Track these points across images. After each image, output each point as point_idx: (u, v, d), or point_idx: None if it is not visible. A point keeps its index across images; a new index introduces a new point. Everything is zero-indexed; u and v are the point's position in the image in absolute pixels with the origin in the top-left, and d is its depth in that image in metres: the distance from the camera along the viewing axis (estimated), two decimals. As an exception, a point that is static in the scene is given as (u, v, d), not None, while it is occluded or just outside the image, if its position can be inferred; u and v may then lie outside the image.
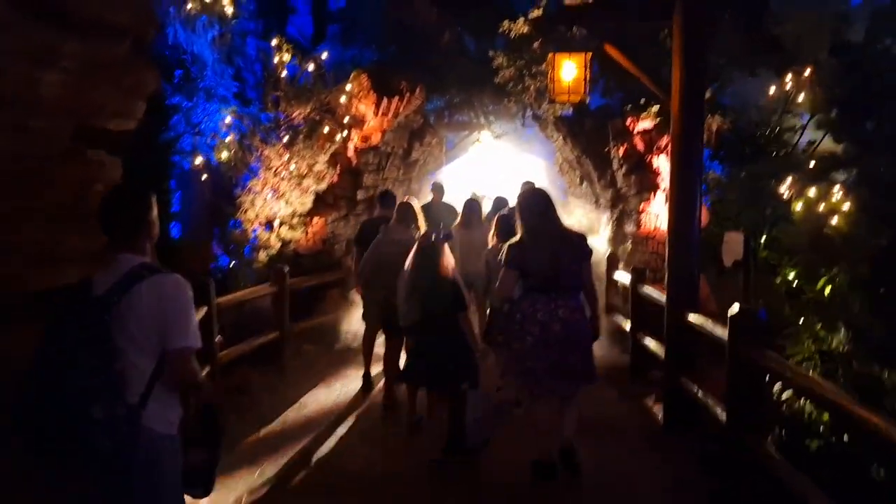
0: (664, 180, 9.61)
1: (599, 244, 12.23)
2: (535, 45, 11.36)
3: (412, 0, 15.03)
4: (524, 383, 4.67)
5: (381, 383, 7.02)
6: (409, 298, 5.15)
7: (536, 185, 11.81)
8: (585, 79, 6.97)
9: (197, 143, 8.06)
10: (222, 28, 8.35)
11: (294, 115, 9.59)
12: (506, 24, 11.36)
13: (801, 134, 10.65)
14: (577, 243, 4.63)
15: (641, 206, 9.64)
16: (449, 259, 5.22)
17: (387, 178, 11.96)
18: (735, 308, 4.80)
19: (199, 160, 7.72)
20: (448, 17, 14.80)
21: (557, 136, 12.92)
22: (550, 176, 16.17)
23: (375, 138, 10.79)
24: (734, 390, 4.77)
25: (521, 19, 11.39)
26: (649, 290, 7.65)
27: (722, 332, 5.02)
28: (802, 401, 5.38)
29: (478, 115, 16.39)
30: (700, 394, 5.57)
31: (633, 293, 8.26)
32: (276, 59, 9.52)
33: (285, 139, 9.34)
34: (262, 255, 9.13)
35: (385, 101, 10.34)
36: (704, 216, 9.72)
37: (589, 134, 11.99)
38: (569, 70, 6.94)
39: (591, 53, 6.92)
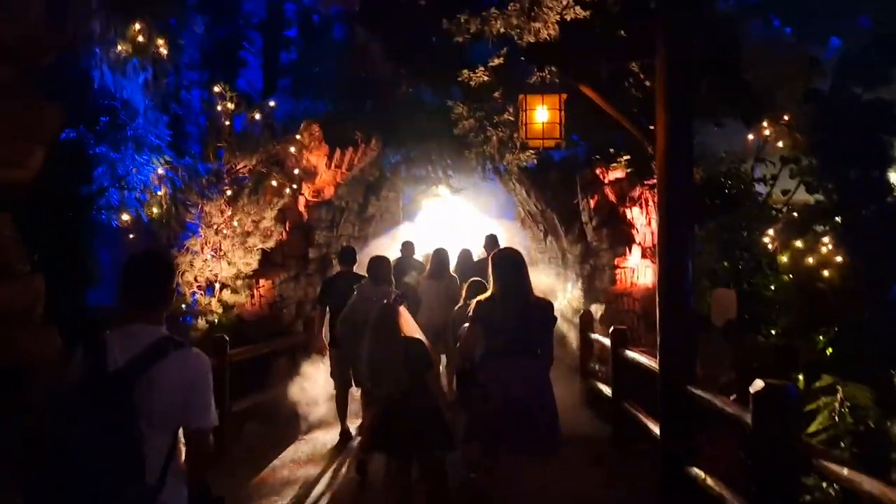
0: (639, 233, 8.91)
1: (568, 302, 11.44)
2: (497, 94, 10.74)
3: (367, 52, 14.45)
4: (487, 448, 4.47)
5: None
6: (373, 370, 4.82)
7: (499, 239, 11.14)
8: (561, 121, 6.25)
9: (125, 198, 7.07)
10: (156, 71, 7.45)
11: (239, 167, 8.70)
12: (465, 73, 10.71)
13: (774, 184, 10.16)
14: (545, 309, 4.48)
15: (616, 261, 8.90)
16: (408, 320, 4.93)
17: (341, 235, 11.05)
18: (759, 385, 3.96)
19: (125, 217, 6.70)
20: (404, 70, 14.20)
21: (520, 188, 12.23)
22: (511, 231, 15.46)
23: (328, 192, 9.92)
24: (762, 487, 3.91)
25: (482, 68, 10.78)
26: (635, 355, 6.82)
27: (738, 411, 4.19)
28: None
29: (436, 169, 15.68)
30: (712, 483, 4.68)
31: (616, 357, 7.42)
32: (219, 108, 8.65)
33: (228, 193, 8.41)
34: (202, 323, 8.07)
35: (338, 152, 9.51)
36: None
37: (554, 186, 11.32)
38: (541, 113, 6.21)
39: (566, 95, 6.22)
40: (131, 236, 6.79)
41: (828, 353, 6.70)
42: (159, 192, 7.08)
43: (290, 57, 15.94)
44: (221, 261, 8.34)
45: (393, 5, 13.14)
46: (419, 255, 10.26)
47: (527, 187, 11.93)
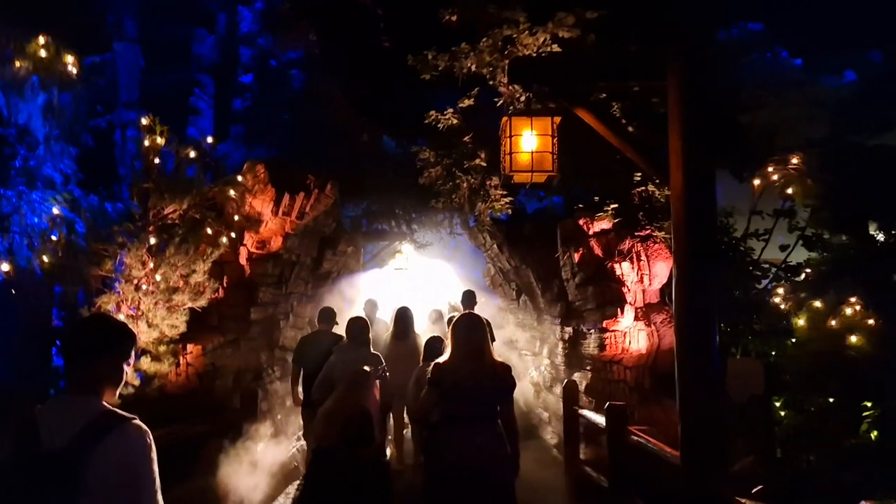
0: (631, 292, 7.65)
1: (545, 369, 10.07)
2: (467, 138, 9.57)
3: (328, 99, 13.31)
4: None
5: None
6: (327, 422, 4.90)
7: (471, 298, 9.83)
8: (553, 150, 5.00)
9: (14, 244, 5.59)
10: (62, 94, 6.07)
11: (167, 212, 7.27)
12: (432, 114, 9.54)
13: (768, 239, 9.07)
14: (502, 374, 4.34)
15: (605, 324, 7.59)
16: (370, 392, 5.12)
17: (291, 293, 9.59)
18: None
19: (5, 267, 5.21)
20: (366, 117, 13.05)
21: (491, 242, 10.97)
22: (479, 289, 14.11)
23: (275, 244, 8.51)
24: None
25: (450, 110, 9.62)
26: (642, 440, 5.46)
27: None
28: None
29: (399, 224, 14.42)
30: None
31: (614, 440, 6.06)
32: (146, 143, 7.28)
33: (152, 242, 6.95)
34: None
35: (286, 197, 8.15)
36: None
37: (529, 239, 10.08)
38: (529, 140, 4.95)
39: (559, 119, 5.00)
40: (13, 292, 5.26)
41: (872, 438, 5.43)
42: (55, 238, 5.59)
43: (244, 104, 14.72)
44: (140, 322, 6.82)
45: (355, 48, 12.06)
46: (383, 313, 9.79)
47: (499, 241, 10.66)
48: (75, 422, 2.15)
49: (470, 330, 4.35)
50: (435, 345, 6.52)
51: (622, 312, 7.42)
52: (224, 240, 7.43)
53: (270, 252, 8.52)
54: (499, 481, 4.17)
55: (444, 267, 15.30)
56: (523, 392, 11.01)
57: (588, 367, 8.17)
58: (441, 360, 4.39)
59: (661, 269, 7.57)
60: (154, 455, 2.26)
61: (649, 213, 8.32)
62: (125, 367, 2.36)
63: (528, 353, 11.20)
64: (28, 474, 2.10)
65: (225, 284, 8.00)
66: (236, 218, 7.68)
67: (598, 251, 7.95)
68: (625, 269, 7.65)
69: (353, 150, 12.86)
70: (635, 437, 5.85)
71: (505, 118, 5.12)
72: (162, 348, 7.11)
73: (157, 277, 6.82)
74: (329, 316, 7.71)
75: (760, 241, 9.23)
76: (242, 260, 8.18)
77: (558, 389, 9.17)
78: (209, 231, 7.39)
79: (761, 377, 5.64)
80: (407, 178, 11.24)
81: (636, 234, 7.72)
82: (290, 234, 8.67)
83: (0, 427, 2.23)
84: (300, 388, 7.56)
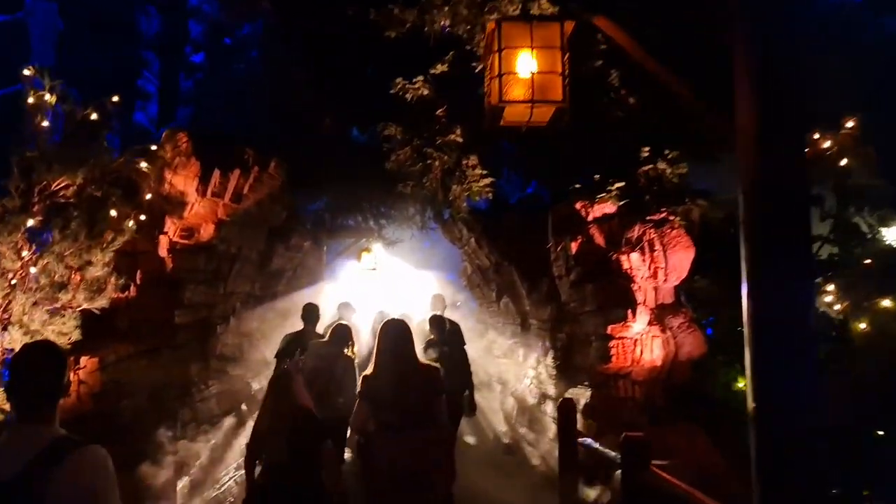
0: (641, 290, 6.06)
1: (531, 383, 8.43)
2: (440, 111, 7.95)
3: (287, 80, 11.64)
4: None
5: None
6: (271, 433, 4.33)
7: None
8: (563, 72, 3.38)
9: None
10: None
11: (56, 187, 5.54)
12: (399, 82, 7.92)
13: None
14: (431, 377, 4.25)
15: (609, 329, 5.98)
16: (300, 388, 4.56)
17: (232, 293, 7.87)
18: None
19: None
20: (330, 103, 11.39)
21: (468, 236, 9.35)
22: (453, 290, 12.46)
23: (205, 232, 6.80)
24: None
25: (420, 79, 8.01)
26: (682, 488, 3.85)
27: None
28: None
29: (366, 219, 12.74)
30: None
31: (631, 483, 4.45)
32: (31, 100, 5.57)
33: (30, 224, 5.23)
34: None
35: (216, 174, 6.45)
36: (696, 345, 6.17)
37: (513, 232, 8.48)
38: (526, 60, 3.31)
39: (572, 26, 3.37)
40: None
41: None
42: None
43: (193, 85, 12.98)
44: (12, 329, 5.07)
45: (315, 18, 10.39)
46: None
47: (477, 234, 9.05)
48: (27, 450, 2.07)
49: (395, 337, 4.28)
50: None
51: (633, 315, 5.81)
52: (131, 224, 5.70)
53: (200, 243, 6.80)
54: (434, 490, 4.10)
55: (417, 266, 13.64)
56: (503, 408, 9.38)
57: (586, 382, 6.55)
58: (368, 371, 4.31)
59: (681, 262, 6.01)
60: (113, 479, 2.17)
61: (658, 196, 6.76)
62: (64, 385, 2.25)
63: (510, 363, 9.57)
64: None
65: (138, 281, 6.27)
66: (148, 196, 5.95)
67: (599, 240, 6.36)
68: (634, 262, 6.06)
69: (314, 136, 11.21)
70: (663, 480, 4.26)
71: (491, 24, 3.43)
72: (45, 362, 5.36)
73: (33, 270, 5.08)
74: (313, 313, 7.23)
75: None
76: (162, 251, 6.45)
77: (548, 407, 7.55)
78: (113, 213, 5.66)
79: (846, 399, 4.08)
80: (374, 169, 9.65)
81: (648, 218, 6.14)
82: (226, 221, 6.95)
83: None
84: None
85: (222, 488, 7.15)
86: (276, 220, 8.39)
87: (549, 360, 7.55)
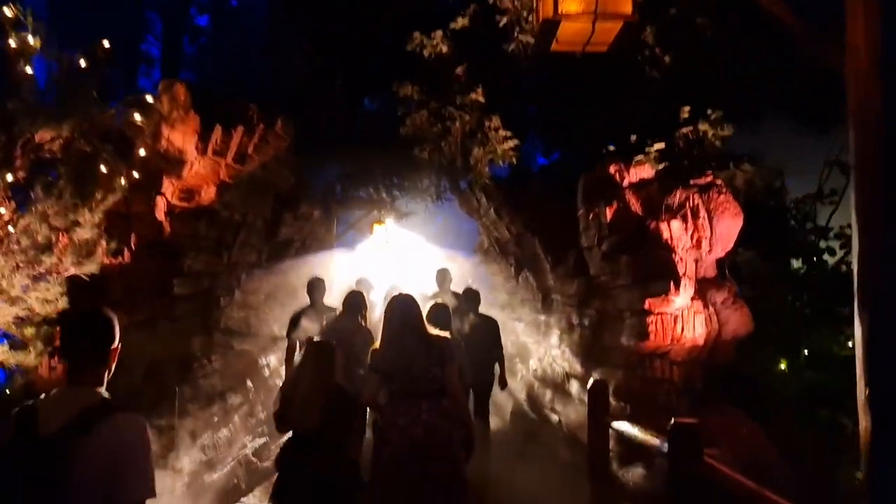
0: (683, 261, 5.46)
1: (552, 363, 7.88)
2: (459, 69, 7.34)
3: (297, 43, 11.02)
4: (385, 493, 4.11)
5: None
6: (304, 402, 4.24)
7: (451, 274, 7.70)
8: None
9: None
10: None
11: (41, 140, 4.99)
12: (415, 37, 7.31)
13: (840, 199, 7.05)
14: (439, 346, 4.16)
15: (647, 303, 5.39)
16: (339, 364, 4.47)
17: (236, 263, 7.33)
18: None
19: None
20: (341, 66, 10.77)
21: (487, 207, 8.74)
22: (468, 266, 11.88)
23: (206, 195, 6.25)
24: None
25: (439, 34, 7.39)
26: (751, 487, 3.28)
27: None
28: None
29: (378, 190, 12.16)
30: None
31: (681, 475, 3.89)
32: (12, 44, 4.98)
33: (9, 179, 4.69)
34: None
35: (218, 131, 5.87)
36: (741, 323, 5.59)
37: (536, 201, 7.89)
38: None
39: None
40: None
41: None
42: None
43: (198, 49, 12.39)
44: (-11, 294, 4.56)
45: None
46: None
47: (497, 204, 8.45)
48: (69, 410, 2.12)
49: (400, 309, 4.26)
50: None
51: (676, 289, 5.22)
52: (123, 181, 5.14)
53: (201, 206, 6.25)
54: (448, 461, 4.07)
55: (430, 240, 13.04)
56: (524, 387, 8.85)
57: (617, 362, 5.99)
58: (376, 343, 4.31)
59: (728, 230, 5.41)
60: (148, 446, 2.20)
61: (699, 160, 6.15)
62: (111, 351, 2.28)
63: (530, 342, 9.02)
64: (18, 460, 2.08)
65: (133, 246, 5.72)
66: (143, 153, 5.37)
67: (636, 207, 5.76)
68: (675, 231, 5.46)
69: (324, 101, 10.62)
70: (716, 471, 3.71)
71: None
72: (28, 331, 4.85)
73: (12, 230, 4.54)
74: (320, 287, 6.97)
75: (828, 203, 7.15)
76: (159, 214, 5.90)
77: (574, 388, 7.01)
78: (104, 170, 5.10)
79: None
80: (388, 138, 9.08)
81: (691, 182, 5.53)
82: (228, 184, 6.39)
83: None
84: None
85: (226, 469, 6.67)
86: (284, 185, 7.82)
87: (576, 337, 6.98)
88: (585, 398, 6.28)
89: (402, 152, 8.50)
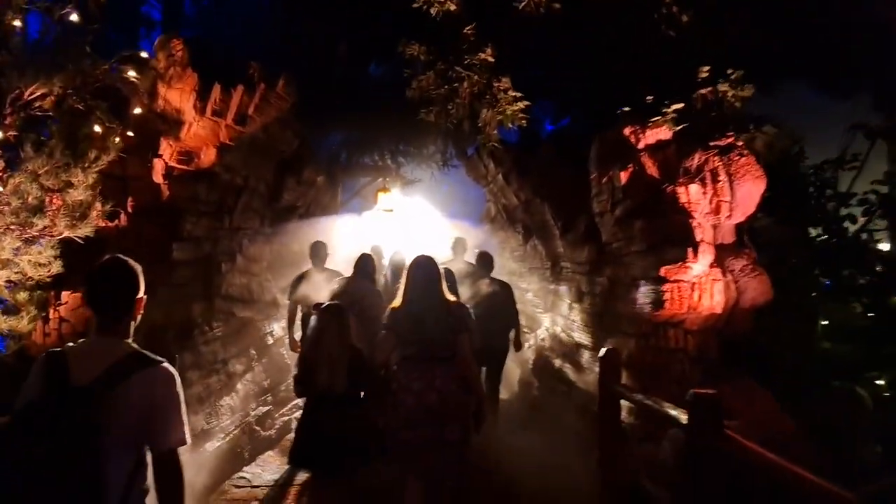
0: (702, 227, 5.22)
1: (561, 331, 7.69)
2: (468, 29, 7.02)
3: (302, 4, 10.67)
4: (398, 457, 4.16)
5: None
6: (325, 365, 4.29)
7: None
8: None
9: None
10: None
11: (31, 96, 4.76)
12: (421, -8, 6.99)
13: (863, 165, 6.79)
14: (457, 314, 4.15)
15: (663, 271, 5.17)
16: (355, 326, 4.59)
17: (238, 228, 7.12)
18: None
19: None
20: (345, 28, 10.44)
21: (496, 172, 8.49)
22: (474, 235, 11.63)
23: (206, 157, 6.00)
24: None
25: (447, -10, 7.07)
26: (776, 461, 3.09)
27: None
28: None
29: (384, 157, 11.91)
30: None
31: (699, 446, 3.71)
32: (-1, -4, 4.73)
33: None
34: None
35: (217, 89, 5.61)
36: (761, 291, 5.37)
37: (546, 166, 7.63)
38: None
39: None
40: None
41: None
42: None
43: (198, 10, 12.04)
44: (-21, 256, 4.36)
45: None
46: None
47: (506, 169, 8.20)
48: (102, 362, 2.13)
49: (423, 272, 4.19)
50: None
51: (694, 255, 4.98)
52: (117, 141, 4.91)
53: (201, 169, 6.01)
54: (458, 423, 4.03)
55: (436, 207, 12.81)
56: (530, 358, 8.69)
57: (629, 331, 5.79)
58: (394, 303, 4.23)
59: (749, 194, 5.16)
60: (179, 397, 2.21)
61: (717, 122, 5.87)
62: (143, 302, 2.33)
63: (538, 311, 8.83)
64: (51, 409, 2.06)
65: (129, 209, 5.51)
66: (138, 111, 5.13)
67: (652, 170, 5.50)
68: (693, 195, 5.21)
69: (328, 65, 10.33)
70: (738, 444, 3.52)
71: None
72: (21, 296, 4.69)
73: (0, 189, 4.33)
74: (321, 251, 7.04)
75: (850, 169, 6.88)
76: (157, 177, 5.67)
77: (583, 357, 6.83)
78: (97, 128, 4.87)
79: None
80: (393, 103, 8.79)
81: (711, 143, 5.27)
82: (229, 146, 6.15)
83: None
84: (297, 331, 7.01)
85: (228, 437, 6.54)
86: (287, 148, 7.57)
87: (586, 306, 6.78)
88: (596, 368, 6.14)
89: (408, 118, 8.23)
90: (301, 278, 6.93)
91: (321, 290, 6.34)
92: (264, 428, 7.26)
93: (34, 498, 2.01)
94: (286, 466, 6.20)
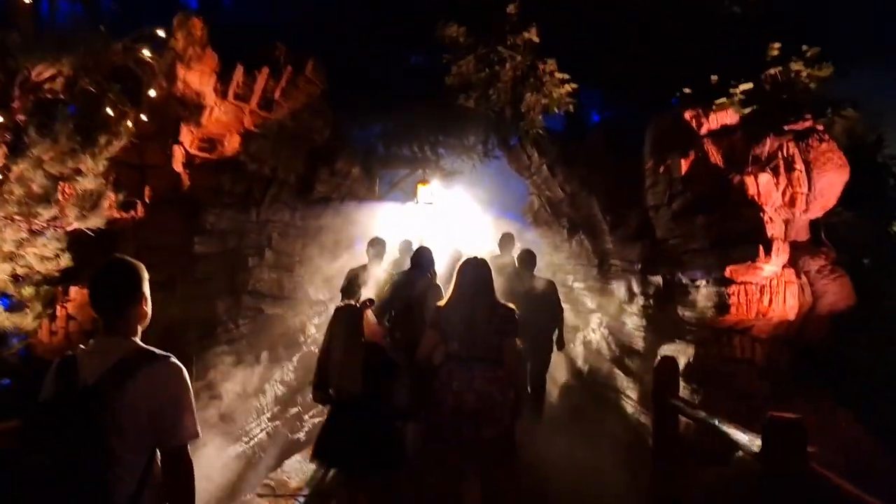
0: (774, 222, 4.60)
1: (607, 335, 7.11)
2: (511, 7, 6.49)
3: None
4: (437, 456, 4.03)
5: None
6: (341, 366, 4.25)
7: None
8: None
9: None
10: None
11: (40, 77, 4.41)
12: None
13: None
14: (504, 317, 4.02)
15: (729, 271, 4.56)
16: (371, 325, 4.44)
17: (268, 221, 6.73)
18: None
19: None
20: (382, 14, 9.98)
21: (539, 162, 7.93)
22: (514, 233, 11.03)
23: (230, 145, 5.62)
24: None
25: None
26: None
27: None
28: None
29: (422, 148, 11.42)
30: None
31: (779, 477, 3.13)
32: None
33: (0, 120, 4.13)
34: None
35: (240, 72, 5.20)
36: (841, 295, 4.72)
37: (594, 156, 7.04)
38: None
39: None
40: None
41: None
42: None
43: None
44: (-20, 250, 4.02)
45: None
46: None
47: (550, 159, 7.63)
48: (107, 361, 2.13)
49: (474, 272, 4.10)
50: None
51: (766, 254, 4.37)
52: (129, 125, 4.53)
53: (224, 158, 5.61)
54: (497, 425, 3.92)
55: (476, 201, 12.27)
56: (573, 359, 8.12)
57: (688, 338, 5.19)
58: (442, 302, 4.17)
59: (831, 186, 4.53)
60: (188, 391, 2.19)
61: (789, 106, 5.22)
62: (149, 299, 2.29)
63: (583, 312, 8.25)
64: (60, 410, 2.06)
65: (147, 199, 5.14)
66: (153, 93, 4.75)
67: (716, 158, 4.89)
68: (763, 186, 4.59)
69: (364, 52, 9.88)
70: (825, 479, 2.94)
71: None
72: (27, 291, 4.34)
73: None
74: (380, 246, 6.56)
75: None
76: (177, 165, 5.29)
77: (633, 364, 6.25)
78: (109, 111, 4.50)
79: None
80: (432, 93, 8.32)
81: (787, 126, 4.64)
82: (255, 133, 5.74)
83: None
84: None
85: (251, 441, 6.16)
86: (318, 137, 7.13)
87: (637, 308, 6.20)
88: (648, 376, 5.57)
89: (448, 108, 7.76)
90: (357, 275, 6.51)
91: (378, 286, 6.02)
92: (292, 431, 6.87)
93: (43, 500, 2.00)
94: (314, 473, 5.80)
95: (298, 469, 6.17)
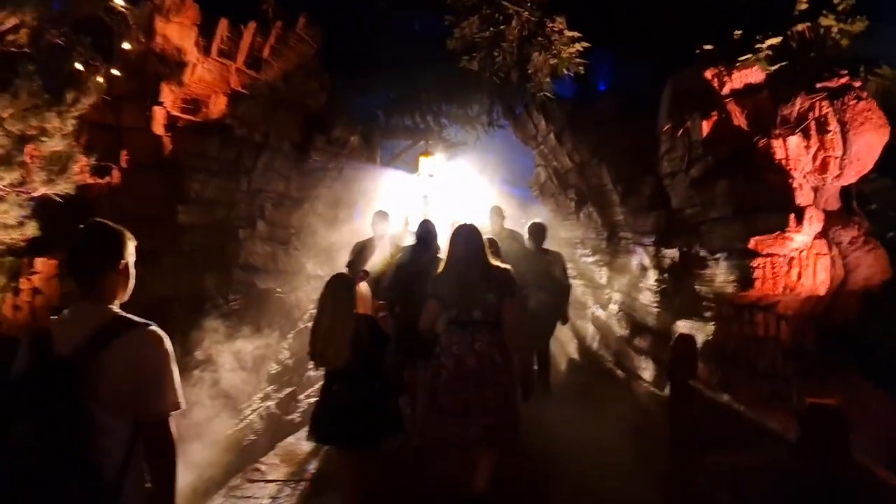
0: (803, 189, 4.19)
1: (617, 312, 6.73)
2: (518, -39, 6.01)
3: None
4: (436, 425, 4.01)
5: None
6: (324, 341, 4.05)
7: (502, 213, 6.75)
8: None
9: None
10: None
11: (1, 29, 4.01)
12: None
13: None
14: (500, 279, 4.01)
15: (754, 242, 4.17)
16: (364, 298, 4.42)
17: (259, 191, 6.35)
18: None
19: None
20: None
21: (547, 130, 7.50)
22: (518, 206, 10.63)
23: (215, 106, 5.21)
24: None
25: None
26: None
27: None
28: None
29: (425, 118, 10.99)
30: None
31: (823, 471, 2.77)
32: None
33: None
34: None
35: (223, 25, 4.78)
36: (877, 269, 4.33)
37: (605, 123, 6.61)
38: None
39: None
40: None
41: None
42: None
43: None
44: (-65, 216, 3.66)
45: None
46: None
47: (558, 127, 7.20)
48: (84, 329, 2.00)
49: (465, 238, 4.08)
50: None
51: (797, 223, 3.96)
52: (100, 79, 4.13)
53: (210, 120, 5.21)
54: (497, 387, 3.87)
55: (480, 174, 11.87)
56: (582, 336, 7.77)
57: (706, 315, 4.81)
58: (438, 271, 4.11)
59: (869, 148, 4.10)
60: (168, 359, 2.05)
61: (820, 63, 4.78)
62: (132, 269, 2.14)
63: (591, 286, 7.88)
64: (35, 381, 1.97)
65: (125, 164, 4.76)
66: (126, 46, 4.34)
67: (739, 120, 4.46)
68: (792, 149, 4.18)
69: (363, 14, 9.40)
70: (868, 473, 2.59)
71: None
72: (-12, 263, 3.98)
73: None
74: (385, 218, 6.32)
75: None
76: (157, 127, 4.89)
77: (645, 342, 5.89)
78: (79, 66, 4.10)
79: None
80: (435, 60, 7.90)
81: (819, 84, 4.21)
82: (243, 94, 5.33)
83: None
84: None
85: (242, 423, 5.84)
86: (313, 102, 6.71)
87: (651, 282, 5.81)
88: (662, 355, 5.21)
89: (451, 75, 7.35)
90: (363, 248, 6.23)
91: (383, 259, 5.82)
92: (286, 412, 6.55)
93: (26, 478, 1.91)
94: (309, 456, 5.48)
95: (292, 451, 5.86)
